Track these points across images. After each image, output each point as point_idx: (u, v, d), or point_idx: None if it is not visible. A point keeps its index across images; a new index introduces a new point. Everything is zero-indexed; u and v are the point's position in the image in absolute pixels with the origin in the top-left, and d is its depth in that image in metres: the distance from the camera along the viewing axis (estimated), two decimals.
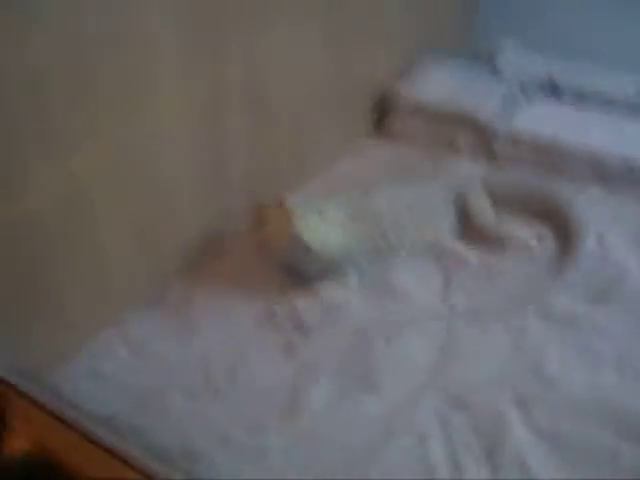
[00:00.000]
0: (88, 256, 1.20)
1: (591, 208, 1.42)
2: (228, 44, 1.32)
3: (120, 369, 1.20)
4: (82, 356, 1.22)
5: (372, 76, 1.76)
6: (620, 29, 1.81)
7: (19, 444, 1.01)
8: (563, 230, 1.37)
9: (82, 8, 1.06)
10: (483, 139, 1.64)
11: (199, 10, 1.24)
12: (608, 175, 1.51)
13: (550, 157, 1.56)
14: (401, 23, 1.77)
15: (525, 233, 1.37)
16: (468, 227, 1.43)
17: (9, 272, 1.10)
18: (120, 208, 1.23)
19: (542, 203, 1.43)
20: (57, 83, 1.06)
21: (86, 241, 1.19)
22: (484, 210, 1.41)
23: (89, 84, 1.10)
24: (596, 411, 1.07)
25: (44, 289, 1.16)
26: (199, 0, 1.24)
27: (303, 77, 1.53)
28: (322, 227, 1.23)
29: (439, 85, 1.74)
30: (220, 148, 1.39)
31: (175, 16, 1.20)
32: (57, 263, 1.16)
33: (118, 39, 1.12)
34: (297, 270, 1.32)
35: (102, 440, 1.00)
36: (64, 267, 1.17)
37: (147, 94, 1.20)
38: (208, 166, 1.37)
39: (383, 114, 1.77)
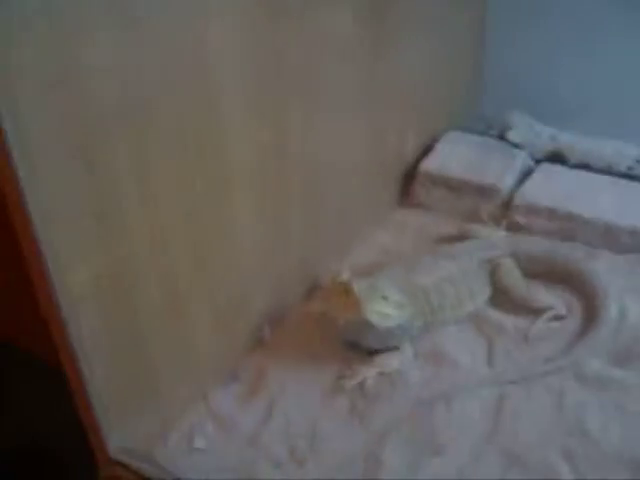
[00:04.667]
0: (177, 329, 1.29)
1: (608, 275, 1.61)
2: (289, 112, 1.39)
3: (211, 445, 1.34)
4: (176, 432, 1.36)
5: (400, 150, 1.93)
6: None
7: None
8: (589, 298, 1.56)
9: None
10: (503, 209, 1.84)
11: (263, 74, 1.28)
12: (617, 242, 1.70)
13: (564, 224, 1.74)
14: (424, 101, 1.95)
15: (555, 301, 1.56)
16: (501, 296, 1.61)
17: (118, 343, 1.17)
18: (201, 280, 1.30)
19: (568, 271, 1.61)
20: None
21: (173, 313, 1.26)
22: (517, 281, 1.59)
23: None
24: (631, 464, 1.25)
25: (146, 363, 1.24)
26: (263, 65, 1.28)
27: (345, 147, 1.65)
28: (387, 310, 1.40)
29: (459, 159, 1.94)
30: (280, 217, 1.48)
31: (242, 80, 1.24)
32: (154, 334, 1.23)
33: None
34: (358, 344, 1.48)
35: None
36: (159, 340, 1.25)
37: (218, 161, 1.26)
38: (270, 237, 1.46)
39: (409, 185, 1.96)
